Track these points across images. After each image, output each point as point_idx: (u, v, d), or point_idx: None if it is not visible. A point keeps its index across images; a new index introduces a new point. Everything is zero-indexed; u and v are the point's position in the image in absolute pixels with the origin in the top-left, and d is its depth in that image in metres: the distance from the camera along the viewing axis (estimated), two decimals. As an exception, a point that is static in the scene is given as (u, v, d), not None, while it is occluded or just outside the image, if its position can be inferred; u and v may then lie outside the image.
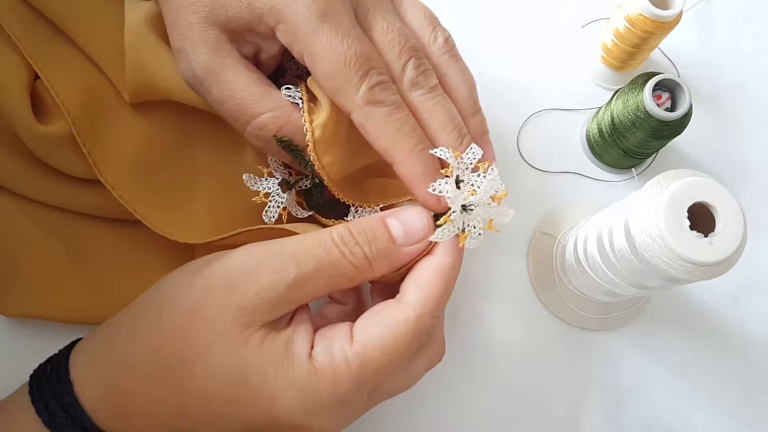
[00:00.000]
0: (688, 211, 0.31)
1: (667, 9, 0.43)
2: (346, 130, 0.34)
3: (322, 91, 0.32)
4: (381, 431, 0.41)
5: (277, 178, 0.35)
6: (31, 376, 0.30)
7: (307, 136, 0.32)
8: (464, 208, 0.30)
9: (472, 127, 0.35)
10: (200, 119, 0.38)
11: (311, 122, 0.32)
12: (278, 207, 0.34)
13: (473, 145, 0.32)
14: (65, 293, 0.38)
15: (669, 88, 0.43)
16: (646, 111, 0.42)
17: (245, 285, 0.28)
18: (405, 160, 0.31)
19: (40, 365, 0.30)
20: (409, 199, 0.35)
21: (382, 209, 0.35)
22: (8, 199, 0.38)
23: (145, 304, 0.30)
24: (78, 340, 0.31)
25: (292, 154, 0.33)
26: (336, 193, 0.34)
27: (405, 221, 0.30)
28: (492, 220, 0.31)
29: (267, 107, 0.32)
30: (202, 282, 0.29)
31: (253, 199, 0.34)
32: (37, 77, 0.36)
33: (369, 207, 0.36)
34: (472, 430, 0.42)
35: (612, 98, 0.45)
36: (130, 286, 0.38)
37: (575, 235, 0.43)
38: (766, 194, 0.49)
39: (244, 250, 0.29)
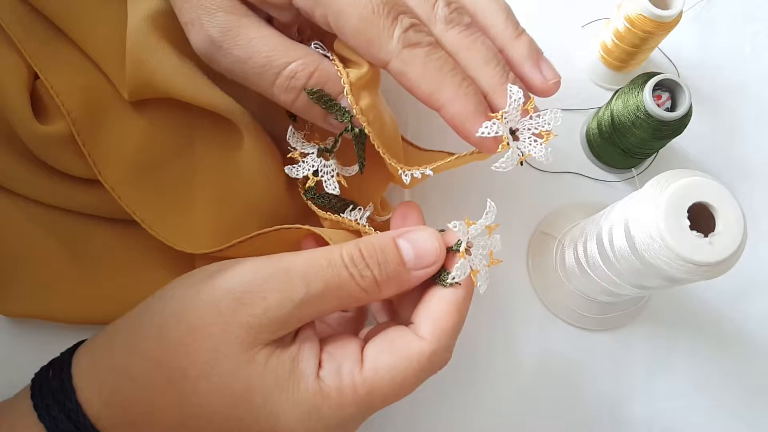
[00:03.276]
0: (688, 211, 0.31)
1: (667, 9, 0.43)
2: (378, 93, 0.33)
3: (352, 52, 0.32)
4: (381, 431, 0.41)
5: (316, 145, 0.35)
6: (33, 380, 0.29)
7: (342, 78, 0.31)
8: (466, 249, 0.30)
9: (520, 50, 0.33)
10: (200, 117, 0.38)
11: (344, 68, 0.32)
12: (307, 170, 0.34)
13: (511, 86, 0.31)
14: (65, 293, 0.38)
15: (669, 88, 0.43)
16: (646, 111, 0.42)
17: (252, 303, 0.27)
18: (453, 99, 0.30)
19: (42, 369, 0.30)
20: (438, 166, 0.34)
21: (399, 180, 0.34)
22: (8, 199, 0.38)
23: (146, 315, 0.29)
24: (80, 342, 0.30)
25: (325, 105, 0.32)
26: (377, 145, 0.33)
27: (416, 244, 0.29)
28: (492, 252, 0.31)
29: (296, 55, 0.31)
30: (206, 297, 0.28)
31: (289, 155, 0.34)
32: (37, 77, 0.36)
33: (366, 207, 0.36)
34: (471, 430, 0.42)
35: (612, 98, 0.45)
36: (130, 286, 0.39)
37: (575, 235, 0.43)
38: (766, 194, 0.49)
39: (250, 264, 0.28)
